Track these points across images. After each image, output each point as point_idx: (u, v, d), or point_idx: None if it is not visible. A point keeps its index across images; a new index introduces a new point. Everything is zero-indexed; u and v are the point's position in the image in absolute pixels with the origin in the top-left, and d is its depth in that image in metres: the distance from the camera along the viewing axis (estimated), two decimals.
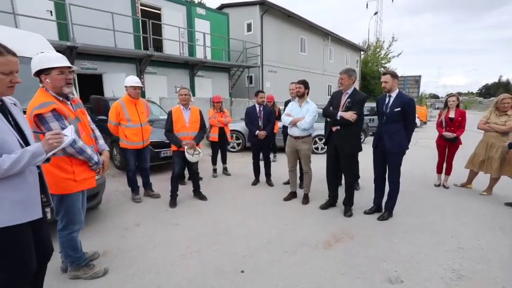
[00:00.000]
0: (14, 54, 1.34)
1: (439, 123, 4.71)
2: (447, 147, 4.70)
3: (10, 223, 1.32)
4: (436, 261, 2.54)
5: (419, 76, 24.73)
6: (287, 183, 4.73)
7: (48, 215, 1.80)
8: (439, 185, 4.83)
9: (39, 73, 1.88)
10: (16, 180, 1.33)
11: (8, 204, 1.31)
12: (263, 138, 4.66)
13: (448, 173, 4.77)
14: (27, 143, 1.40)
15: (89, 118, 2.27)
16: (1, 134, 1.27)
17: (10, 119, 1.39)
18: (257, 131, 4.66)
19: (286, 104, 4.73)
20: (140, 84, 3.88)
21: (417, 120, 14.62)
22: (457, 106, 4.59)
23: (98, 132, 2.33)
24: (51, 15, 8.38)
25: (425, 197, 4.27)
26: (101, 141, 2.33)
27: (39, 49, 3.11)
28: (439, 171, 4.87)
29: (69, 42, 8.02)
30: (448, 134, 4.49)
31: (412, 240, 2.93)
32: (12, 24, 6.90)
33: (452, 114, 4.54)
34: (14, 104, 1.49)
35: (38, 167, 1.51)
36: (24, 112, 1.85)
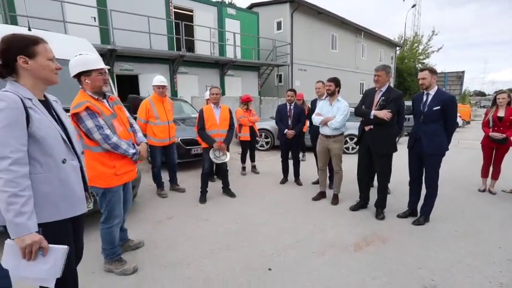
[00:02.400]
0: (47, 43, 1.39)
1: (486, 123, 4.33)
2: (495, 149, 4.30)
3: (58, 217, 1.33)
4: (480, 272, 2.34)
5: (463, 72, 22.89)
6: (316, 182, 4.65)
7: (89, 206, 1.68)
8: (484, 191, 4.43)
9: (79, 74, 1.99)
10: (61, 175, 1.33)
11: (54, 199, 1.31)
12: (291, 137, 4.63)
13: (495, 177, 4.36)
14: (69, 139, 1.42)
15: (127, 113, 2.37)
16: (45, 129, 1.28)
17: (54, 114, 1.41)
18: (286, 130, 4.64)
19: (313, 103, 4.64)
20: (165, 83, 4.05)
21: (459, 120, 13.53)
22: (508, 104, 4.17)
23: (136, 126, 2.43)
24: (95, 21, 9.03)
25: (467, 203, 3.95)
26: (140, 134, 2.42)
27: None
28: (485, 175, 4.47)
29: (109, 45, 8.59)
30: (496, 135, 4.10)
31: (451, 248, 2.73)
32: (62, 30, 7.57)
33: (501, 113, 4.14)
34: (56, 101, 1.51)
35: (79, 161, 1.50)
36: (68, 111, 1.94)
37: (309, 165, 5.75)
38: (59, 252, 1.24)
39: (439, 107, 2.98)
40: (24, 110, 1.20)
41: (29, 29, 3.27)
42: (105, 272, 2.31)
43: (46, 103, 1.40)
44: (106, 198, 2.15)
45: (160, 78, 4.05)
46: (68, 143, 1.39)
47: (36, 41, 1.31)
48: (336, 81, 3.70)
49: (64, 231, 1.39)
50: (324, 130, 3.77)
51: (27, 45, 1.27)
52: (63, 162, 1.34)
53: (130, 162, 2.21)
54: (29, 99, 1.25)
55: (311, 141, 4.71)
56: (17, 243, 1.18)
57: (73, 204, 1.39)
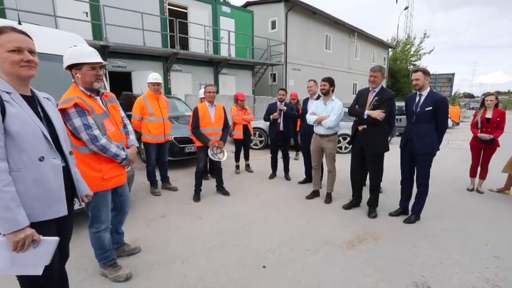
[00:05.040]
0: (20, 32, 1.26)
1: (474, 124, 4.44)
2: (483, 150, 4.42)
3: (31, 220, 1.23)
4: (467, 268, 2.42)
5: (453, 74, 23.31)
6: (302, 182, 4.78)
7: (76, 205, 1.61)
8: (472, 190, 4.55)
9: (71, 67, 1.86)
10: (36, 174, 1.25)
11: (27, 199, 1.22)
12: (277, 118, 4.81)
13: (482, 177, 4.48)
14: (55, 137, 1.36)
15: (122, 113, 2.24)
16: (21, 124, 1.20)
17: (40, 111, 1.33)
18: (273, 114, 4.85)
19: (305, 102, 4.69)
20: (159, 81, 4.03)
21: (449, 121, 13.80)
22: (496, 106, 4.29)
23: (130, 128, 2.29)
24: (87, 16, 8.87)
25: (456, 202, 4.05)
26: (132, 136, 2.27)
27: None
28: (473, 174, 4.58)
29: (102, 41, 8.45)
30: (484, 136, 4.21)
31: (441, 245, 2.80)
32: (53, 25, 7.41)
33: (489, 115, 4.25)
34: (47, 99, 1.43)
35: (65, 161, 1.42)
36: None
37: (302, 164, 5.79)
38: (50, 243, 1.26)
39: (431, 108, 3.05)
40: (0, 103, 1.15)
41: (19, 23, 3.19)
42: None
43: (32, 99, 1.33)
44: (91, 203, 1.98)
45: (155, 76, 4.02)
46: (51, 140, 1.31)
47: None
48: (330, 81, 3.74)
49: (40, 234, 1.25)
50: (318, 129, 3.81)
51: None
52: (40, 160, 1.25)
53: (119, 166, 2.08)
54: (7, 92, 1.20)
55: (300, 140, 4.84)
56: (9, 239, 1.16)
57: (49, 206, 1.29)
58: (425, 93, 3.13)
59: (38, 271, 1.26)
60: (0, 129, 1.14)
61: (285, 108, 4.75)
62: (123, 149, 2.09)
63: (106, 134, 1.96)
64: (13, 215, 1.15)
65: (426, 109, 3.07)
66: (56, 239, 1.28)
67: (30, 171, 1.23)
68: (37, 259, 1.24)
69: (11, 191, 1.16)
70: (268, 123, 5.21)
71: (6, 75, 1.24)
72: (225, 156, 3.96)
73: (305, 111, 4.53)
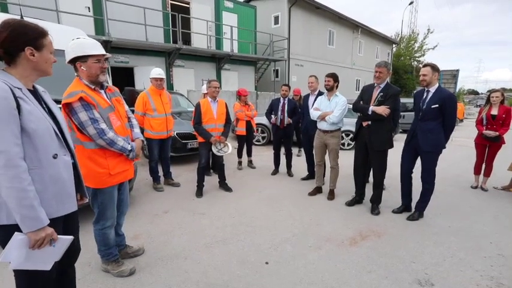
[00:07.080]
0: None
1: (479, 121, 4.38)
2: (488, 147, 4.37)
3: (49, 216, 1.23)
4: (471, 266, 2.40)
5: (457, 70, 23.09)
6: (305, 179, 4.77)
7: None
8: (476, 187, 4.51)
9: (74, 60, 1.81)
10: (52, 172, 1.24)
11: (46, 198, 1.22)
12: (283, 127, 4.81)
13: (487, 174, 4.43)
14: (61, 131, 1.35)
15: (126, 107, 2.21)
16: (36, 121, 1.18)
17: (44, 105, 1.33)
18: (272, 119, 4.89)
19: (305, 98, 4.63)
20: (162, 76, 4.01)
21: None
22: (501, 103, 4.24)
23: (134, 121, 2.27)
24: (89, 11, 8.84)
25: (460, 199, 4.01)
26: (136, 129, 2.24)
27: None
28: (477, 172, 4.54)
29: (104, 36, 8.41)
30: (489, 133, 4.16)
31: (444, 243, 2.78)
32: (55, 20, 7.39)
33: (495, 111, 4.20)
34: (44, 92, 1.42)
35: (73, 157, 1.42)
36: (60, 102, 1.77)
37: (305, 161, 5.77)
38: (65, 241, 1.30)
39: (437, 105, 2.97)
40: (14, 100, 1.12)
41: (21, 18, 3.18)
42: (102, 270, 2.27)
43: (35, 93, 1.30)
44: (98, 200, 1.99)
45: (158, 71, 4.00)
46: (60, 136, 1.30)
47: (44, 33, 1.25)
48: (334, 77, 3.70)
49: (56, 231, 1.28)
50: (321, 125, 3.78)
51: (37, 37, 1.22)
52: (54, 158, 1.25)
53: (126, 160, 2.04)
54: (18, 88, 1.17)
55: (297, 135, 4.80)
56: (30, 237, 1.16)
57: (63, 203, 1.31)
58: (433, 89, 3.06)
59: (47, 267, 1.27)
60: (18, 127, 1.12)
61: (277, 123, 4.88)
62: (129, 142, 2.06)
63: (112, 128, 1.92)
64: (36, 213, 1.15)
65: (432, 106, 3.00)
66: (71, 237, 1.31)
67: (46, 169, 1.22)
68: (50, 256, 1.26)
69: (33, 189, 1.16)
70: (265, 114, 5.21)
71: (30, 72, 1.25)
72: (230, 149, 3.96)
73: (305, 107, 4.49)
